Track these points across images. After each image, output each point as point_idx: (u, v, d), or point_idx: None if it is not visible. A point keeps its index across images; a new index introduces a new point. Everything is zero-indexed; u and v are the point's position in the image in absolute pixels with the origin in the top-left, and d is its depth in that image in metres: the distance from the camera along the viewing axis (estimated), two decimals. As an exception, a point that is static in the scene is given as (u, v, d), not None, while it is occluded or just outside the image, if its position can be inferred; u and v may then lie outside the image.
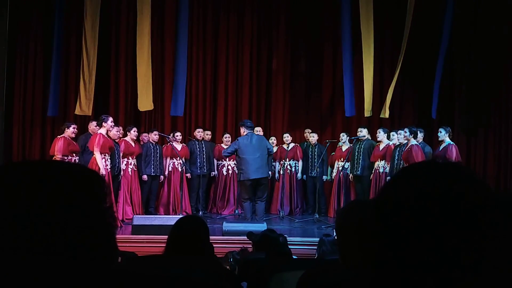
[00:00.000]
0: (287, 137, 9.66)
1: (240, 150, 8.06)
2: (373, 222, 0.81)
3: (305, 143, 9.84)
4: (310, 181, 9.53)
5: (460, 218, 0.72)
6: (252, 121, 10.49)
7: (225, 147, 9.55)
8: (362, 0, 8.93)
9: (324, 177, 9.49)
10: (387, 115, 9.11)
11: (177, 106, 9.14)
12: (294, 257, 4.73)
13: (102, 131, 7.65)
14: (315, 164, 9.29)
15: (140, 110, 9.45)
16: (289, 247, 4.29)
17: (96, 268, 0.74)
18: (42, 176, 0.75)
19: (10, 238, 0.70)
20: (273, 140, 9.85)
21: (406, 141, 7.91)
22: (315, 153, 9.47)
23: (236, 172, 9.45)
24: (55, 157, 7.90)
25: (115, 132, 8.13)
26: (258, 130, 9.48)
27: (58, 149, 7.93)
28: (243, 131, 8.27)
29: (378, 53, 10.13)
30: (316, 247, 4.77)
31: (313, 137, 9.59)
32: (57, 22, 9.26)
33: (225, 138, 9.66)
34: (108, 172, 7.60)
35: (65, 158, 7.91)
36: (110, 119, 7.80)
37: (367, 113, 9.12)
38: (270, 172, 9.12)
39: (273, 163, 9.57)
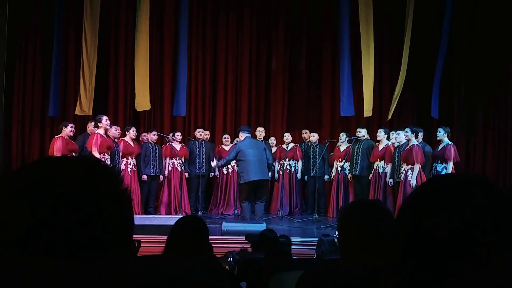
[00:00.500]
0: (287, 137, 9.65)
1: (241, 153, 8.01)
2: (399, 233, 0.80)
3: (303, 143, 9.83)
4: (311, 181, 9.51)
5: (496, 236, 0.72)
6: (252, 121, 10.54)
7: (225, 147, 9.56)
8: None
9: (326, 177, 9.48)
10: (389, 117, 9.15)
11: (179, 106, 9.20)
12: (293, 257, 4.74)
13: (100, 131, 7.66)
14: (316, 164, 9.29)
15: (137, 109, 9.47)
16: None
17: (114, 268, 0.73)
18: (71, 172, 0.75)
19: (42, 234, 0.70)
20: (272, 140, 9.85)
21: (406, 141, 7.90)
22: (316, 153, 9.46)
23: (237, 171, 9.45)
24: (54, 157, 7.87)
25: (114, 130, 8.12)
26: (261, 130, 9.42)
27: (57, 149, 7.90)
28: (241, 135, 8.24)
29: (378, 52, 10.13)
30: (315, 247, 4.77)
31: (313, 137, 9.58)
32: (56, 22, 9.26)
33: (225, 138, 9.66)
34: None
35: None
36: (105, 118, 7.81)
37: (366, 113, 9.12)
38: (270, 173, 9.08)
39: (272, 163, 9.55)
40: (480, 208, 0.74)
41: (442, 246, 0.73)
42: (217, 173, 9.62)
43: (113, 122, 8.91)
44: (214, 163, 8.54)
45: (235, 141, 9.75)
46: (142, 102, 9.23)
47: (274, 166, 9.60)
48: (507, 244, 0.72)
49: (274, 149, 9.63)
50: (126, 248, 0.77)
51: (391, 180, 8.19)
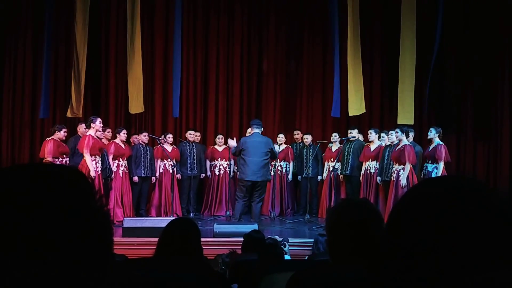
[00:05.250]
0: (281, 138, 9.65)
1: (243, 151, 8.12)
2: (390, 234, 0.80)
3: (295, 144, 9.84)
4: (304, 182, 9.51)
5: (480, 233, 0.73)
6: (243, 122, 10.51)
7: (218, 148, 9.58)
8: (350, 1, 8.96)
9: (319, 177, 9.49)
10: (411, 121, 8.76)
11: (172, 107, 9.28)
12: (287, 257, 4.74)
13: (91, 132, 7.62)
14: (309, 164, 9.29)
15: (131, 112, 9.45)
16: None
17: (90, 274, 0.72)
18: (27, 179, 0.74)
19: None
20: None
21: (397, 141, 7.93)
22: (310, 153, 9.46)
23: (228, 172, 9.48)
24: (45, 159, 7.83)
25: (99, 133, 8.06)
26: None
27: (48, 152, 7.87)
28: (251, 130, 8.38)
29: (368, 52, 10.16)
30: (307, 248, 4.78)
31: (307, 139, 9.58)
32: (47, 24, 9.22)
33: (218, 139, 9.66)
34: (98, 174, 7.59)
35: (56, 160, 7.85)
36: (98, 120, 7.77)
37: (351, 112, 9.11)
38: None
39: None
40: (472, 215, 0.74)
41: (431, 251, 0.73)
42: (208, 173, 9.61)
43: (104, 124, 8.88)
44: (233, 143, 8.47)
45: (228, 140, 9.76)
46: (136, 105, 9.24)
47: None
48: (496, 252, 0.72)
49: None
50: (105, 256, 0.75)
51: (379, 178, 8.23)
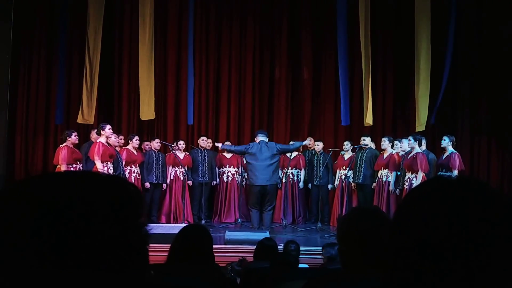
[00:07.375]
0: None
1: (249, 156, 8.21)
2: (393, 238, 0.80)
3: (307, 152, 9.81)
4: (314, 190, 9.47)
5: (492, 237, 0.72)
6: (255, 130, 10.48)
7: (226, 155, 9.60)
8: (361, 7, 8.94)
9: (330, 186, 9.45)
10: (423, 128, 8.72)
11: (187, 114, 9.35)
12: (304, 265, 4.71)
13: (102, 139, 7.66)
14: (320, 172, 9.25)
15: (142, 119, 9.50)
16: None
17: (129, 281, 0.74)
18: (80, 188, 0.75)
19: (45, 251, 0.70)
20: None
21: (410, 149, 7.88)
22: (320, 161, 9.43)
23: (237, 179, 9.49)
24: (59, 166, 7.88)
25: (114, 139, 8.11)
26: None
27: (62, 158, 7.90)
28: (257, 139, 8.51)
29: (380, 61, 10.13)
30: (319, 256, 4.75)
31: (317, 146, 9.56)
32: (60, 31, 9.32)
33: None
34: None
35: (69, 166, 7.91)
36: (108, 126, 7.82)
37: (366, 123, 9.06)
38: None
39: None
40: (477, 213, 0.74)
41: (437, 251, 0.73)
42: (217, 180, 9.62)
43: (117, 131, 8.94)
44: (219, 144, 9.03)
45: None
46: (147, 111, 9.28)
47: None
48: (503, 250, 0.71)
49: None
50: (141, 260, 0.78)
51: (398, 189, 8.11)
